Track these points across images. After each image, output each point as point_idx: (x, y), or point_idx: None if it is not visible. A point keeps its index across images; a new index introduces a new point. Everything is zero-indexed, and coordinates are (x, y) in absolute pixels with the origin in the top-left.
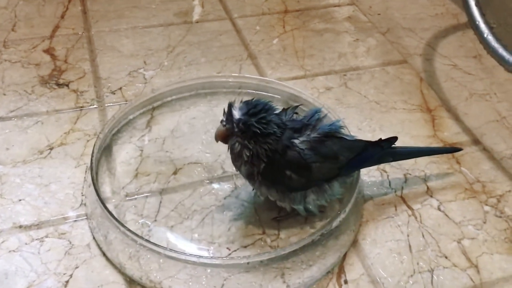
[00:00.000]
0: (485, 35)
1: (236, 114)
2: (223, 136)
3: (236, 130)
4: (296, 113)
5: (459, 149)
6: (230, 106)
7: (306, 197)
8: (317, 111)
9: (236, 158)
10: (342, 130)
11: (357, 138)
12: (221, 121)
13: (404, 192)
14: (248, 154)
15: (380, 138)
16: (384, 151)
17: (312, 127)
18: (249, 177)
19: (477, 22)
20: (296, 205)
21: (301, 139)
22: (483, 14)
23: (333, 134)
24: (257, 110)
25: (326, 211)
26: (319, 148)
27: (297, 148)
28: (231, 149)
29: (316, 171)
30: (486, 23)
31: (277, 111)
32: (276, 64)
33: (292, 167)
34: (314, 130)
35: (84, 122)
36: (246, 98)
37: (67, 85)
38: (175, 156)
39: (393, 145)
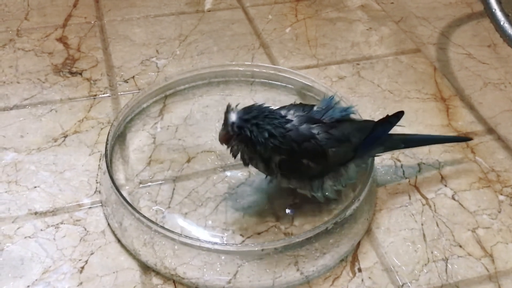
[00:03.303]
0: (502, 23)
1: (232, 117)
2: (224, 140)
3: (231, 134)
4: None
5: (469, 139)
6: (227, 109)
7: (323, 183)
8: (331, 99)
9: (244, 161)
10: (353, 115)
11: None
12: (222, 125)
13: (418, 181)
14: (246, 156)
15: (387, 115)
16: (393, 126)
17: (326, 116)
18: (268, 171)
19: (493, 10)
20: (315, 192)
21: (315, 126)
22: (499, 2)
23: (344, 119)
24: (251, 115)
25: (341, 199)
26: (333, 133)
27: (313, 136)
28: (232, 152)
29: (332, 156)
30: (503, 11)
31: (281, 114)
32: (288, 53)
33: (309, 156)
34: (327, 118)
35: (98, 110)
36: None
37: (80, 74)
38: (188, 144)
39: (404, 133)
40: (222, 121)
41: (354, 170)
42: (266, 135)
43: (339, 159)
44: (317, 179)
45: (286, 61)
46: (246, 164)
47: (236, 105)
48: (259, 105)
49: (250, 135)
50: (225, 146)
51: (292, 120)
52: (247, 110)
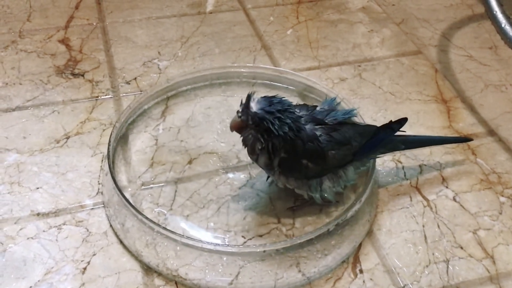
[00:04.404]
0: (503, 25)
1: (253, 107)
2: (237, 127)
3: (250, 123)
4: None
5: (470, 139)
6: (249, 98)
7: (322, 184)
8: (332, 100)
9: (251, 150)
10: (355, 118)
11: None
12: (237, 112)
13: (420, 183)
14: (260, 147)
15: (391, 120)
16: (395, 132)
17: (328, 117)
18: (267, 168)
19: (494, 12)
20: (313, 193)
21: (318, 127)
22: (501, 4)
23: (346, 122)
24: (275, 108)
25: (342, 200)
26: (334, 136)
27: (315, 137)
28: (244, 141)
29: (332, 158)
30: (504, 13)
31: (295, 110)
32: (290, 55)
33: (309, 156)
34: (330, 119)
35: (100, 112)
36: (260, 89)
37: (83, 75)
38: (190, 146)
39: (405, 134)
40: (223, 123)
41: (353, 172)
42: (286, 129)
43: (338, 162)
44: (315, 180)
45: (287, 62)
46: (255, 154)
47: (253, 92)
48: (280, 98)
49: (271, 128)
50: (226, 148)
51: (302, 117)
52: (269, 101)
